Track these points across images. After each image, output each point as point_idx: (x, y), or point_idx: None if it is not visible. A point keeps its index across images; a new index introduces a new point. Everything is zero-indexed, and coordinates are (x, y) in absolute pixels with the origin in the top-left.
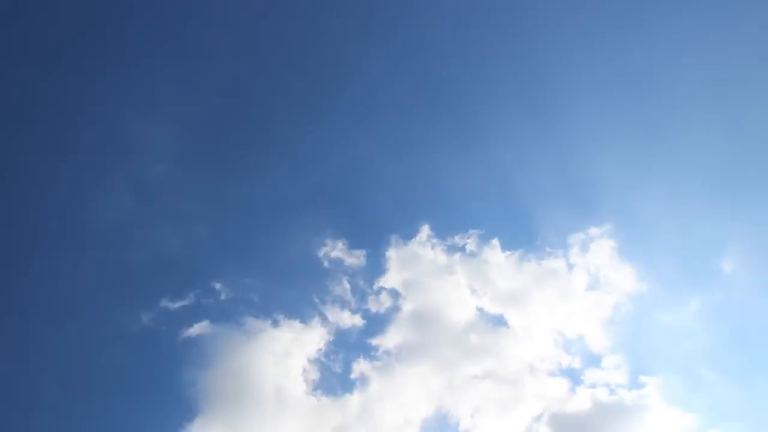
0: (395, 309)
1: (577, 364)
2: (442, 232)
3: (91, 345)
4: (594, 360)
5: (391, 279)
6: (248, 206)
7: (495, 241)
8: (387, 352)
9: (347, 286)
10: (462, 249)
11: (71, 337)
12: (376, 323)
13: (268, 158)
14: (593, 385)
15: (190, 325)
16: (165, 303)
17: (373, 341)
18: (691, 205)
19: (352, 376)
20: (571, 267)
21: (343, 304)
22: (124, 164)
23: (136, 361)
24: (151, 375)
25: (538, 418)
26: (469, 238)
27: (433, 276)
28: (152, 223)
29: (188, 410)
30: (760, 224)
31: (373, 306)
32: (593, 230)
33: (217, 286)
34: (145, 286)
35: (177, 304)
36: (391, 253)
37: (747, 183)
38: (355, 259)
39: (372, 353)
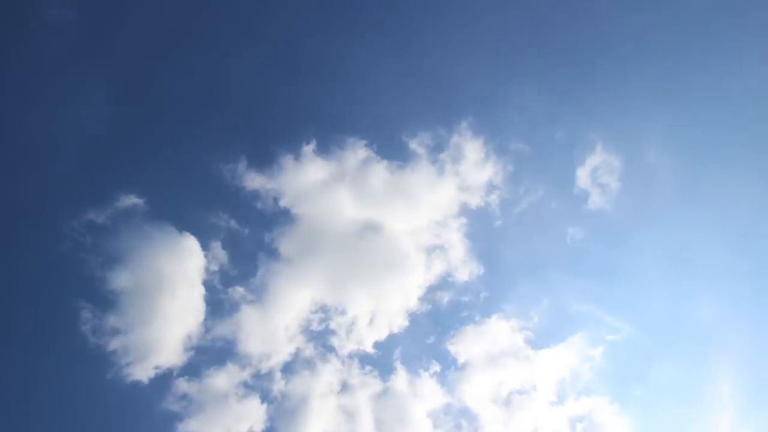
0: (286, 221)
1: (440, 263)
2: (325, 147)
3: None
4: (456, 256)
5: (282, 193)
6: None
7: (372, 152)
8: (281, 262)
9: (242, 200)
10: (343, 163)
11: None
12: (270, 235)
13: (161, 61)
14: (449, 275)
15: (98, 225)
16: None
17: (269, 249)
18: (559, 100)
19: (249, 284)
20: (441, 171)
21: (239, 217)
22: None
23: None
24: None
25: (407, 308)
26: (349, 151)
27: (318, 189)
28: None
29: (105, 306)
30: (623, 115)
31: (267, 219)
32: (459, 133)
33: (126, 191)
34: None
35: (84, 206)
36: (282, 169)
37: (613, 74)
38: (248, 173)
39: (267, 264)
